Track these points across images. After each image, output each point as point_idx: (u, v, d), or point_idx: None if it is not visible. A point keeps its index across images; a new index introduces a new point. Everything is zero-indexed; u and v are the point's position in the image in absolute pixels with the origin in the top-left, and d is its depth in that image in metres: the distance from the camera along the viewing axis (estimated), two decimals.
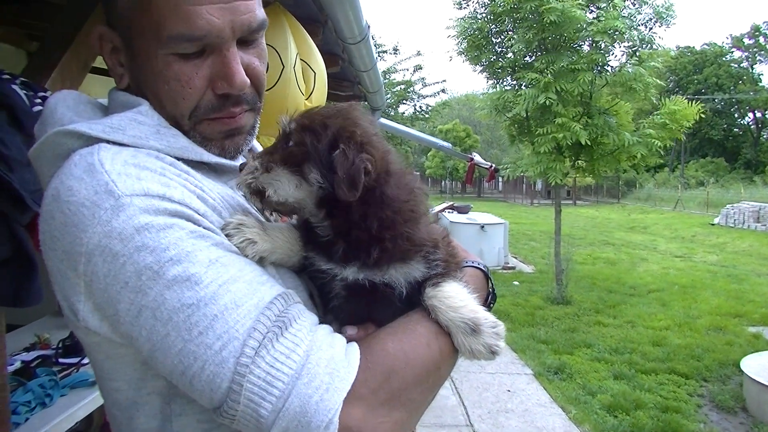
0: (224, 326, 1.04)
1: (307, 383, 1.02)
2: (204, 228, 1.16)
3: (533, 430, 7.27)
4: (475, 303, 1.27)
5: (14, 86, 2.45)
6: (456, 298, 1.25)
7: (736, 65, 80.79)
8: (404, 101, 29.81)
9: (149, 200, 1.10)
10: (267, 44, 4.10)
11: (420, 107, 31.19)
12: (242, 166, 1.29)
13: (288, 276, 1.32)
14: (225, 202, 1.32)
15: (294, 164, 1.24)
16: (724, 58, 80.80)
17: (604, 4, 13.39)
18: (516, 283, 16.50)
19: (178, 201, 1.14)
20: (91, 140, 1.22)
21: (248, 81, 1.35)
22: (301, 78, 4.35)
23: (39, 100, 2.55)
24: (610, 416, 7.74)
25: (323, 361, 1.05)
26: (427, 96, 30.92)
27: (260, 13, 1.35)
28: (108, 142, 1.22)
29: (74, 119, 1.32)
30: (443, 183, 75.17)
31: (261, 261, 1.24)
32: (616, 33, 12.92)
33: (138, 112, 1.33)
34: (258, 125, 1.52)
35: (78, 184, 1.12)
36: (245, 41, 1.36)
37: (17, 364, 3.69)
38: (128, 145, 1.22)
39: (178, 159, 1.28)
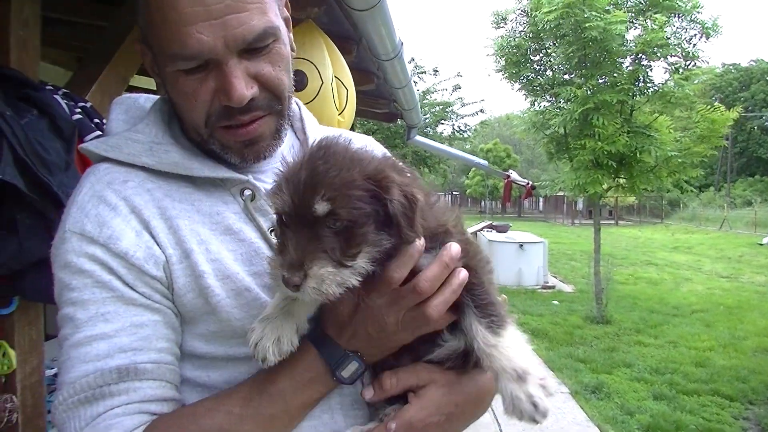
0: (67, 370, 1.29)
1: None
2: (118, 276, 1.33)
3: None
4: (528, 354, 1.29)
5: (56, 96, 2.59)
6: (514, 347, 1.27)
7: None
8: (443, 121, 29.78)
9: (78, 241, 1.34)
10: (306, 60, 4.22)
11: (458, 127, 31.13)
12: (294, 279, 1.14)
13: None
14: (202, 227, 1.42)
15: (365, 242, 1.17)
16: None
17: (648, 22, 13.29)
18: (555, 302, 16.29)
19: (104, 244, 1.33)
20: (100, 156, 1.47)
21: (247, 94, 1.34)
22: (336, 94, 4.46)
23: (78, 110, 2.70)
24: None
25: None
26: (466, 116, 30.86)
27: (259, 22, 1.34)
28: (108, 159, 1.45)
29: (113, 127, 1.57)
30: (483, 203, 74.85)
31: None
32: (660, 48, 12.79)
33: (135, 131, 1.50)
34: (286, 130, 1.54)
35: (68, 203, 1.45)
36: (251, 50, 1.36)
37: (56, 369, 3.82)
38: (124, 162, 1.43)
39: (171, 174, 1.44)
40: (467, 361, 1.39)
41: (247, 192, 1.47)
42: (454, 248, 1.28)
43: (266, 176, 1.54)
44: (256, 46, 1.36)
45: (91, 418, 1.26)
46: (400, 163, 1.30)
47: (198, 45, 1.29)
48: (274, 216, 1.40)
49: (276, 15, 1.41)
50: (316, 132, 1.73)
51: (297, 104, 1.77)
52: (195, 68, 1.35)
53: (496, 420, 7.70)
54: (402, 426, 1.33)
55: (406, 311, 1.29)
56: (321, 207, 1.13)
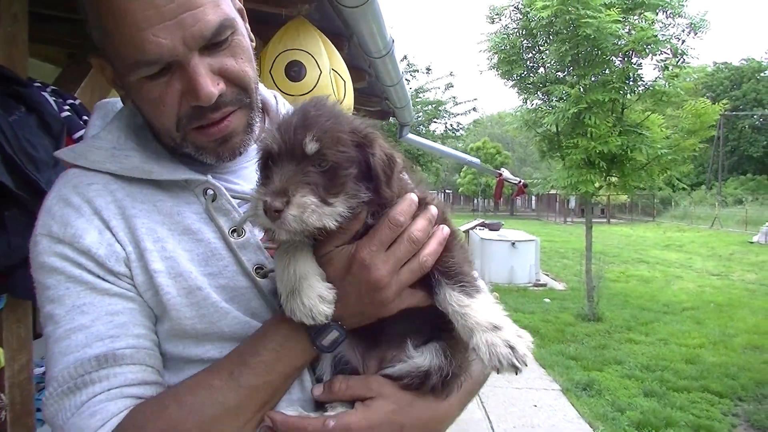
0: (52, 365, 1.33)
1: None
2: (87, 269, 1.37)
3: None
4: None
5: (45, 93, 2.58)
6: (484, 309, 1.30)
7: None
8: (435, 119, 29.82)
9: (48, 242, 1.38)
10: (303, 50, 4.21)
11: (451, 125, 31.18)
12: (276, 203, 1.16)
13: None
14: (161, 226, 1.43)
15: (347, 185, 1.22)
16: (763, 74, 79.33)
17: (636, 18, 13.35)
18: (547, 300, 16.35)
19: (69, 242, 1.37)
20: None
21: (214, 91, 1.33)
22: (334, 85, 4.47)
23: (67, 107, 2.69)
24: None
25: (72, 428, 1.29)
26: (458, 114, 30.91)
27: (215, 16, 1.32)
28: (77, 166, 1.48)
29: (89, 132, 1.60)
30: (476, 201, 75.00)
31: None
32: (650, 45, 12.85)
33: (97, 137, 1.52)
34: (257, 122, 1.52)
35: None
36: (211, 46, 1.34)
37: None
38: (90, 169, 1.45)
39: (133, 177, 1.45)
40: (425, 383, 1.38)
41: (210, 192, 1.46)
42: (433, 209, 1.37)
43: (237, 176, 1.55)
44: (216, 41, 1.34)
45: (76, 407, 1.28)
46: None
47: (157, 49, 1.27)
48: (237, 216, 1.43)
49: (230, 6, 1.40)
50: None
51: (275, 97, 1.76)
52: (158, 73, 1.33)
53: (488, 417, 7.74)
54: (340, 427, 1.31)
55: (402, 264, 1.32)
56: (311, 145, 1.18)
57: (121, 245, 1.38)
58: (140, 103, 1.43)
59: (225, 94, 1.38)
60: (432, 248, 1.33)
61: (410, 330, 1.40)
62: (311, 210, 1.16)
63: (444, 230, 1.37)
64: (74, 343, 1.32)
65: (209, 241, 1.43)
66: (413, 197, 1.33)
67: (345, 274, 1.30)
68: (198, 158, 1.46)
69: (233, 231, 1.44)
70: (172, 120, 1.38)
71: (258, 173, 1.32)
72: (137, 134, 1.51)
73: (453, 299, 1.29)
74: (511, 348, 1.21)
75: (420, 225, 1.32)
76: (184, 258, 1.40)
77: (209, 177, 1.46)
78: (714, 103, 13.56)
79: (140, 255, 1.38)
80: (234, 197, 1.47)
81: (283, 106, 1.75)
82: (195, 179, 1.45)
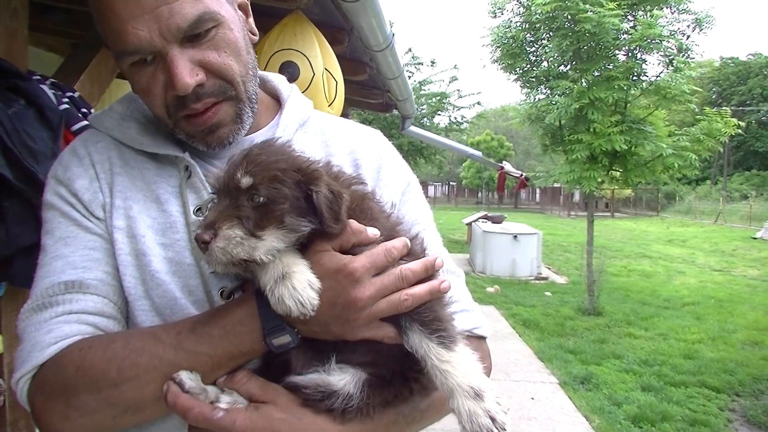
0: (34, 286, 1.47)
1: (20, 350, 1.42)
2: (75, 208, 1.52)
3: None
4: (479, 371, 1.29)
5: (43, 86, 2.63)
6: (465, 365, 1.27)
7: None
8: (439, 112, 29.68)
9: (53, 183, 1.57)
10: (298, 51, 4.26)
11: (455, 118, 31.05)
12: (204, 236, 1.20)
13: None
14: (137, 192, 1.55)
15: (279, 220, 1.22)
16: None
17: (641, 13, 13.30)
18: (548, 293, 16.41)
19: (65, 184, 1.54)
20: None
21: (190, 82, 1.37)
22: (326, 85, 4.51)
23: (66, 99, 2.74)
24: (635, 427, 7.67)
25: (30, 341, 1.40)
26: (463, 107, 30.78)
27: (192, 9, 1.36)
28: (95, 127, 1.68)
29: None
30: (479, 194, 74.92)
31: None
32: (654, 42, 12.81)
33: (111, 109, 1.67)
34: (248, 113, 1.55)
35: None
36: (192, 38, 1.39)
37: None
38: (102, 131, 1.63)
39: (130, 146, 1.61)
40: (323, 401, 1.31)
41: (190, 169, 1.54)
42: (438, 260, 1.37)
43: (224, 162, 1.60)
44: (195, 33, 1.38)
45: (39, 323, 1.40)
46: (348, 175, 1.41)
47: (136, 40, 1.34)
48: (206, 195, 1.51)
49: (216, 1, 1.42)
50: (294, 119, 1.73)
51: (291, 89, 1.82)
52: (145, 63, 1.40)
53: None
54: (226, 420, 1.27)
55: (384, 294, 1.29)
56: (244, 180, 1.23)
57: (102, 195, 1.53)
58: (135, 91, 1.50)
59: (206, 84, 1.42)
60: (418, 291, 1.30)
61: (362, 360, 1.36)
62: (236, 242, 1.19)
63: (443, 284, 1.33)
64: (53, 269, 1.46)
65: (171, 213, 1.51)
66: (407, 241, 1.35)
67: (328, 279, 1.28)
68: (190, 144, 1.53)
69: (198, 209, 1.50)
70: (161, 108, 1.45)
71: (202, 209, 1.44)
72: (145, 109, 1.62)
73: (432, 352, 1.26)
74: (492, 418, 1.20)
75: (414, 267, 1.32)
76: (144, 223, 1.49)
77: (186, 155, 1.53)
78: (726, 103, 13.49)
79: (110, 209, 1.52)
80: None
81: (298, 97, 1.82)
82: (173, 155, 1.54)
